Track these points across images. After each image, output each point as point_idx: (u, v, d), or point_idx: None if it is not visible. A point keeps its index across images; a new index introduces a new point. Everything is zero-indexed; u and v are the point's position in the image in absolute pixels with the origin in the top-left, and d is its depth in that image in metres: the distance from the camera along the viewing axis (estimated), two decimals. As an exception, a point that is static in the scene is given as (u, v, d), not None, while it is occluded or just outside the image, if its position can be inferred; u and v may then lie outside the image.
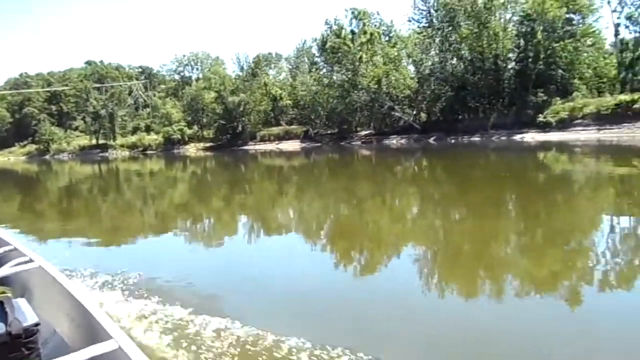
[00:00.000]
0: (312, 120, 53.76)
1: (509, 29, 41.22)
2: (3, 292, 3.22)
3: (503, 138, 36.56)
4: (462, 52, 40.99)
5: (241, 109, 57.61)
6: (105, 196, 22.26)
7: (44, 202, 21.17)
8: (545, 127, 34.98)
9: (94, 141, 70.64)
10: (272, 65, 67.44)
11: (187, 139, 63.22)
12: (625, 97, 33.26)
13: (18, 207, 20.12)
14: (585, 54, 39.14)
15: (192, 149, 60.89)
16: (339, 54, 47.24)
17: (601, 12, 43.73)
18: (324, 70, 54.63)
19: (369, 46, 45.64)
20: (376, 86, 44.30)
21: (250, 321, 4.67)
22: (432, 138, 41.13)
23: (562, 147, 30.22)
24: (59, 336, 3.29)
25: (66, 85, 78.81)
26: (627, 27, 47.86)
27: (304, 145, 51.53)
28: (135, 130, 72.50)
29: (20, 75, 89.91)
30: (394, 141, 44.26)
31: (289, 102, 58.96)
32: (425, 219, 11.48)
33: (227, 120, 58.04)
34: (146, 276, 6.57)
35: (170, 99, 75.41)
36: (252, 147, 55.91)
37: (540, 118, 35.44)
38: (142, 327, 4.72)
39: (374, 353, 4.02)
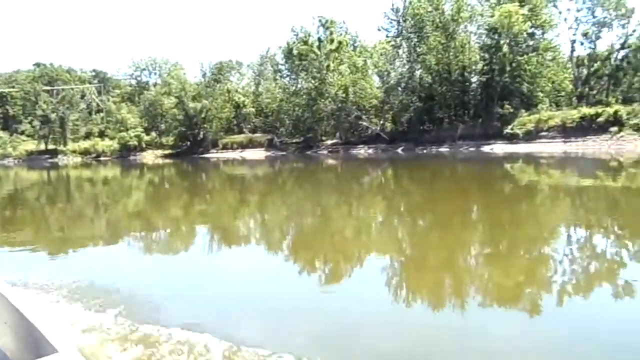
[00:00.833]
0: (276, 128, 52.64)
1: (475, 42, 41.77)
2: None
3: (472, 149, 36.74)
4: (430, 62, 41.07)
5: (203, 115, 55.77)
6: (53, 205, 20.66)
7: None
8: (512, 138, 35.45)
9: (42, 146, 66.59)
10: (233, 72, 66.08)
11: (144, 145, 60.56)
12: (589, 110, 34.16)
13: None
14: (548, 68, 40.07)
15: (149, 156, 58.34)
16: (306, 62, 46.49)
17: (559, 29, 45.50)
18: (288, 78, 53.86)
19: (337, 54, 45.12)
20: (343, 95, 43.77)
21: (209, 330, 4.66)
22: (400, 148, 40.92)
23: (528, 158, 30.59)
24: (1, 352, 3.21)
25: (12, 87, 74.31)
26: (582, 43, 49.99)
27: (268, 153, 50.33)
28: (87, 136, 69.04)
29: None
30: (362, 151, 43.78)
31: (252, 109, 57.63)
32: (391, 230, 11.21)
33: (188, 127, 56.06)
34: (92, 286, 6.46)
35: (126, 104, 72.61)
36: (214, 155, 54.15)
37: (507, 130, 35.91)
38: (88, 338, 4.69)
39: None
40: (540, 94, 39.84)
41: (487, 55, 41.19)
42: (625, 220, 10.73)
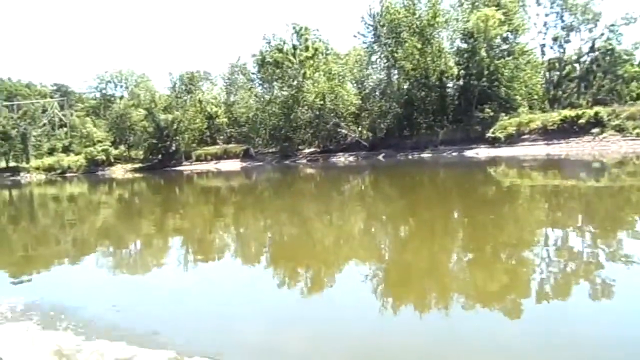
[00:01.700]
0: (251, 138, 51.33)
1: (451, 47, 41.79)
2: None
3: (454, 154, 36.42)
4: (407, 68, 40.74)
5: (174, 127, 53.93)
6: (16, 224, 19.40)
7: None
8: (494, 142, 35.32)
9: (3, 164, 63.35)
10: (205, 83, 64.58)
11: (112, 159, 58.15)
12: (570, 112, 34.37)
13: None
14: (524, 72, 40.36)
15: (119, 171, 55.99)
16: (281, 70, 45.52)
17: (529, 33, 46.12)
18: (260, 87, 52.88)
19: (312, 62, 44.35)
20: (321, 102, 42.95)
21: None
22: (381, 155, 40.31)
23: (511, 162, 30.37)
24: None
25: (-32, 103, 70.67)
26: (551, 47, 50.97)
27: (244, 164, 48.99)
28: (51, 152, 66.19)
29: None
30: (342, 159, 42.98)
31: (225, 120, 56.20)
32: (374, 238, 10.92)
33: (159, 139, 54.09)
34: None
35: (91, 117, 70.08)
36: (187, 167, 52.40)
37: (489, 134, 35.78)
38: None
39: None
40: (518, 98, 40.01)
41: (463, 60, 41.23)
42: (609, 220, 10.72)
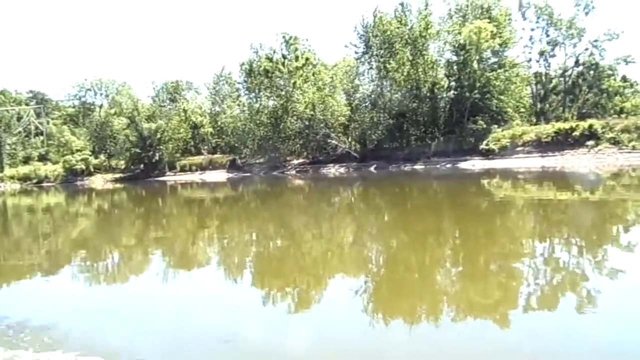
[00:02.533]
0: (238, 148, 50.22)
1: (442, 58, 41.78)
2: None
3: (448, 166, 36.06)
4: (399, 79, 40.45)
5: (158, 136, 52.46)
6: None
7: None
8: (488, 154, 35.11)
9: (-25, 173, 60.74)
10: (185, 92, 63.37)
11: (92, 169, 56.27)
12: (563, 124, 34.44)
13: None
14: (514, 85, 40.52)
15: (99, 181, 54.19)
16: (270, 79, 44.73)
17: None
18: (245, 97, 51.97)
19: (303, 71, 43.71)
20: (311, 112, 42.25)
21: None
22: (373, 166, 39.74)
23: (506, 174, 30.13)
24: None
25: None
26: (537, 61, 51.63)
27: (231, 175, 47.84)
28: (26, 160, 63.84)
29: None
30: (332, 170, 42.24)
31: (210, 129, 55.03)
32: (365, 255, 10.36)
33: (142, 149, 52.48)
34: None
35: (69, 126, 68.03)
36: (171, 177, 51.00)
37: (483, 145, 35.57)
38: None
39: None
40: (510, 110, 40.10)
41: (454, 72, 41.20)
42: (603, 233, 10.64)
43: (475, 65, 37.94)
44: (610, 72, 49.98)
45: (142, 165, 53.43)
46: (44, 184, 56.08)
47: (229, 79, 58.43)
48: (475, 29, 36.61)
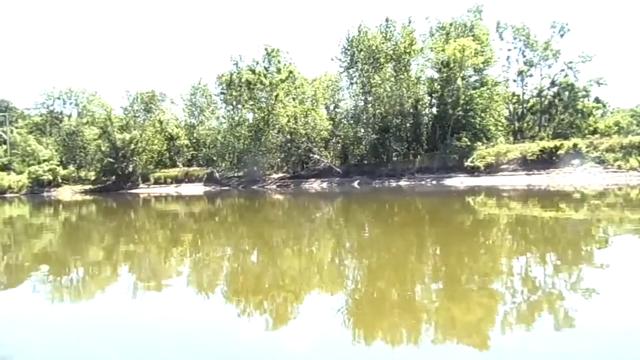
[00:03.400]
0: (215, 161, 48.90)
1: (425, 75, 41.88)
2: None
3: (434, 182, 35.78)
4: (383, 94, 40.22)
5: (132, 147, 50.60)
6: None
7: None
8: (473, 171, 35.00)
9: None
10: (160, 103, 61.78)
11: (60, 180, 53.76)
12: (548, 143, 34.68)
13: None
14: (496, 103, 40.88)
15: (67, 192, 51.74)
16: (251, 91, 43.84)
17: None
18: (223, 109, 51.01)
19: (285, 84, 43.01)
20: (294, 126, 41.49)
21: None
22: (356, 182, 39.15)
23: (491, 191, 29.99)
24: None
25: None
26: (514, 81, 52.64)
27: (207, 188, 46.41)
28: (-12, 170, 60.71)
29: None
30: (315, 185, 41.41)
31: (186, 142, 53.57)
32: (343, 270, 10.15)
33: (115, 160, 50.45)
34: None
35: (35, 135, 65.27)
36: (144, 190, 49.16)
37: (468, 162, 35.46)
38: None
39: None
40: (492, 128, 40.34)
41: (436, 89, 41.33)
42: (585, 252, 10.65)
43: (459, 82, 38.05)
44: (585, 92, 51.38)
45: (113, 177, 51.32)
46: (7, 195, 53.26)
47: (206, 91, 57.32)
48: (459, 46, 36.80)
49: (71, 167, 56.00)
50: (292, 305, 7.46)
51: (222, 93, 50.22)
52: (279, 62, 44.46)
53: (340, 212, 23.88)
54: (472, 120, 39.07)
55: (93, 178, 53.54)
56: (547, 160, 32.95)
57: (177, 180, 49.88)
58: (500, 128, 47.57)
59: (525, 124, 51.35)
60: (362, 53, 40.63)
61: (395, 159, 41.58)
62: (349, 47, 41.91)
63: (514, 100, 51.15)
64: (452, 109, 38.80)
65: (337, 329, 6.13)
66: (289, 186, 42.52)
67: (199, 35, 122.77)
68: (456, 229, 15.24)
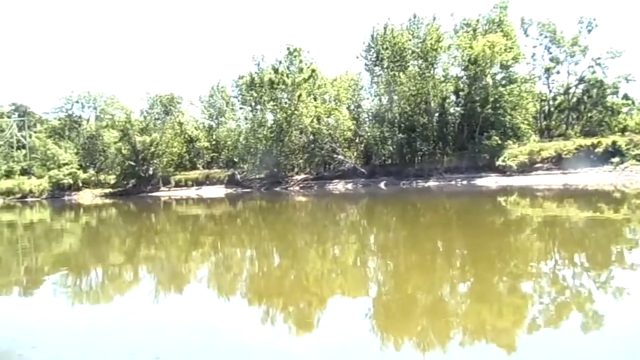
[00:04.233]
0: (236, 163, 48.30)
1: (452, 72, 40.89)
2: None
3: (464, 182, 34.75)
4: (409, 93, 39.28)
5: (152, 150, 50.23)
6: None
7: None
8: (505, 170, 33.89)
9: (-47, 187, 57.47)
10: (180, 105, 61.57)
11: (80, 184, 53.60)
12: (585, 140, 33.46)
13: None
14: (526, 100, 39.68)
15: (87, 196, 51.55)
16: (273, 91, 43.19)
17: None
18: (242, 110, 50.56)
19: (308, 84, 42.28)
20: (317, 126, 40.69)
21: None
22: (382, 183, 38.23)
23: (525, 191, 28.94)
24: None
25: None
26: (539, 78, 51.20)
27: (229, 191, 45.82)
28: (8, 174, 60.81)
29: None
30: (339, 186, 40.57)
31: (206, 144, 53.08)
32: (377, 277, 9.68)
33: (135, 163, 50.11)
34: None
35: (54, 139, 65.39)
36: (165, 193, 48.71)
37: (499, 162, 34.35)
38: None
39: None
40: (522, 126, 39.12)
41: (464, 86, 40.28)
42: (622, 253, 10.21)
43: (488, 79, 36.95)
44: (614, 89, 49.80)
45: (134, 180, 51.01)
46: (28, 199, 53.31)
47: (224, 92, 56.86)
48: (489, 42, 35.75)
49: (91, 171, 55.87)
50: (318, 310, 7.29)
51: (241, 94, 49.78)
52: (300, 61, 43.78)
53: (369, 213, 23.35)
54: (502, 119, 37.89)
55: (113, 181, 53.30)
56: (583, 158, 31.73)
57: (198, 183, 49.34)
58: (529, 127, 46.37)
59: (552, 122, 49.90)
60: (387, 51, 39.72)
61: (422, 159, 40.56)
62: (373, 45, 41.02)
63: (540, 98, 49.76)
64: (481, 107, 37.70)
65: (364, 334, 6.03)
66: (312, 187, 41.76)
67: (213, 39, 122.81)
68: (489, 230, 14.67)
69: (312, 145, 42.07)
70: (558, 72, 50.50)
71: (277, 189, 43.19)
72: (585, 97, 49.11)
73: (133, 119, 53.43)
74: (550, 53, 50.40)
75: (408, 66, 38.85)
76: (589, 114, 50.08)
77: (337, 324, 6.57)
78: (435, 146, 40.80)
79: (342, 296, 8.13)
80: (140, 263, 12.76)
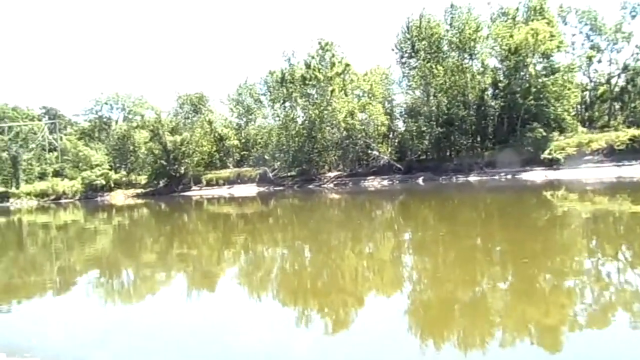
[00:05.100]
0: (267, 160, 47.63)
1: (491, 63, 39.32)
2: None
3: (508, 177, 33.33)
4: (447, 85, 37.90)
5: (183, 149, 50.00)
6: None
7: None
8: (551, 164, 32.33)
9: (-10, 189, 58.58)
10: (210, 104, 61.43)
11: (112, 184, 53.83)
12: (638, 131, 31.58)
13: None
14: (569, 90, 37.87)
15: (119, 196, 51.68)
16: (305, 87, 42.34)
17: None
18: (270, 107, 49.81)
19: (340, 78, 41.28)
20: (351, 122, 39.66)
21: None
22: (420, 178, 36.99)
23: (573, 185, 27.49)
24: None
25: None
26: (579, 67, 49.06)
27: (261, 189, 45.18)
28: (41, 177, 61.71)
29: None
30: (375, 182, 39.51)
31: (236, 142, 52.61)
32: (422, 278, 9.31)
33: (166, 162, 49.97)
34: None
35: (85, 141, 66.07)
36: (196, 192, 48.42)
37: (545, 155, 32.76)
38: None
39: None
40: (568, 117, 37.31)
41: (499, 77, 38.71)
42: None
43: (531, 69, 35.30)
44: (661, 77, 47.40)
45: (165, 180, 50.91)
46: (62, 200, 53.86)
47: (253, 90, 56.32)
48: (532, 30, 34.12)
49: (122, 172, 56.11)
50: (357, 309, 7.28)
51: (270, 91, 49.20)
52: (333, 55, 42.81)
53: (407, 210, 22.63)
54: (546, 110, 36.17)
55: (144, 182, 53.37)
56: (638, 149, 29.95)
57: (229, 182, 48.89)
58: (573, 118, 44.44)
59: (595, 113, 47.79)
60: (424, 42, 38.39)
61: (461, 153, 39.13)
62: (408, 36, 39.71)
63: (582, 88, 47.67)
64: (523, 99, 36.07)
65: (404, 333, 6.01)
66: (347, 184, 40.80)
67: (241, 35, 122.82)
68: (533, 225, 14.12)
69: (346, 142, 41.06)
70: (599, 61, 48.42)
71: (310, 186, 42.36)
72: (629, 86, 46.92)
73: (163, 119, 53.39)
74: (591, 41, 48.30)
75: (445, 57, 37.39)
76: (633, 104, 47.88)
77: (376, 323, 6.54)
78: (474, 140, 39.31)
79: (379, 295, 8.07)
80: (175, 262, 12.70)
